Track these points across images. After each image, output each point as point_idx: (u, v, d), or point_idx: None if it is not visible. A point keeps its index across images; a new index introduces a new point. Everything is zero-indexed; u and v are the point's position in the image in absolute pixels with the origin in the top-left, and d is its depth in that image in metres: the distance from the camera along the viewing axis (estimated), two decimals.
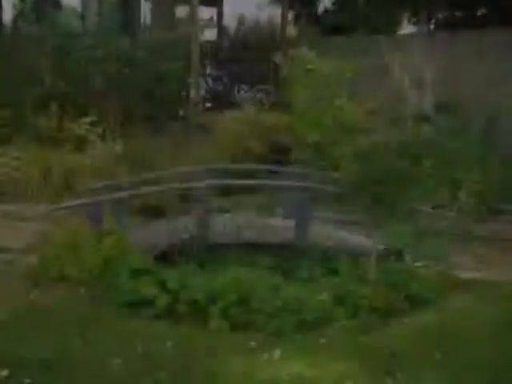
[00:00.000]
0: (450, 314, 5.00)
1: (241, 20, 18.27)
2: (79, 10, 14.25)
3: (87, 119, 9.97)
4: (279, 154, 9.24)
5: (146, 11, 15.09)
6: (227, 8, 16.63)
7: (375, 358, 4.24)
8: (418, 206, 6.53)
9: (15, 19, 14.98)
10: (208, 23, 13.19)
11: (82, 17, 12.74)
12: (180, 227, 6.35)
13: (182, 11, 15.35)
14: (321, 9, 17.16)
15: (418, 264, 5.87)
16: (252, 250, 5.91)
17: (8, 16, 14.49)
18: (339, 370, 4.06)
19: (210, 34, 16.47)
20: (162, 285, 4.95)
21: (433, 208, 7.19)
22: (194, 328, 4.65)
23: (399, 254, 5.92)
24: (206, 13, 16.63)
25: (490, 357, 4.24)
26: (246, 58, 14.61)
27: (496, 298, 5.47)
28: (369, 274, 5.18)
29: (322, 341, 4.51)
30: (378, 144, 5.01)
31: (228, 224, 6.49)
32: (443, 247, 6.26)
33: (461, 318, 4.90)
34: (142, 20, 14.80)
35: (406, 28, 16.58)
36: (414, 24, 14.94)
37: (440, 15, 15.63)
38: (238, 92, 13.00)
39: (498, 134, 8.78)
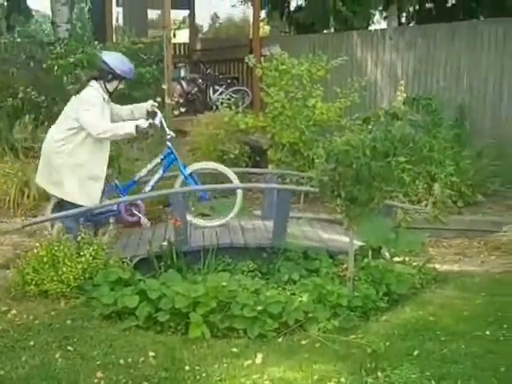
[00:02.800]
0: (429, 308, 5.05)
1: (214, 20, 18.27)
2: (50, 17, 14.18)
3: None
4: (255, 156, 9.27)
5: (118, 16, 15.06)
6: (200, 8, 16.64)
7: (356, 357, 4.28)
8: (393, 201, 6.60)
9: None
10: (180, 25, 13.11)
11: (53, 24, 12.61)
12: (159, 235, 6.38)
13: (154, 14, 15.33)
14: (293, 6, 17.22)
15: (396, 259, 5.93)
16: (231, 253, 5.95)
17: None
18: (321, 371, 4.10)
19: (183, 36, 16.45)
20: (143, 294, 4.96)
21: (409, 203, 7.28)
22: (176, 336, 4.67)
23: (377, 251, 5.98)
24: (179, 14, 16.60)
25: (469, 350, 4.30)
26: (220, 59, 14.62)
27: (474, 289, 5.54)
28: (347, 272, 5.21)
29: (304, 343, 4.55)
30: (351, 142, 5.02)
31: (207, 229, 6.53)
32: (420, 241, 6.35)
33: (439, 312, 4.95)
34: (114, 24, 14.75)
35: (379, 23, 16.70)
36: (385, 18, 15.01)
37: (411, 9, 15.72)
38: (213, 94, 12.99)
39: (472, 125, 8.89)
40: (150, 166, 6.56)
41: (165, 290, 4.97)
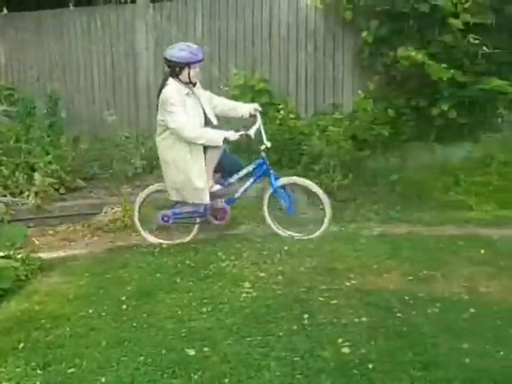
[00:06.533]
0: (35, 298, 5.09)
1: None
2: None
3: None
4: None
5: None
6: None
7: None
8: None
9: None
10: None
11: None
12: None
13: None
14: None
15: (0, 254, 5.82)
16: None
17: None
18: None
19: None
20: None
21: (11, 195, 7.22)
22: None
23: None
24: None
25: (74, 331, 4.47)
26: None
27: (78, 272, 5.70)
28: None
29: None
30: None
31: None
32: (23, 233, 6.36)
33: (45, 300, 5.02)
34: None
35: None
36: None
37: None
38: None
39: (69, 112, 9.08)
40: (241, 174, 6.23)
41: None
